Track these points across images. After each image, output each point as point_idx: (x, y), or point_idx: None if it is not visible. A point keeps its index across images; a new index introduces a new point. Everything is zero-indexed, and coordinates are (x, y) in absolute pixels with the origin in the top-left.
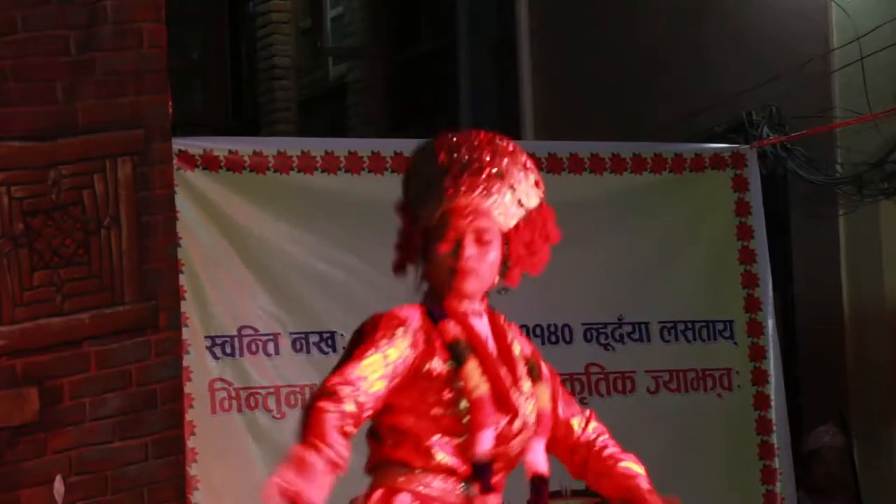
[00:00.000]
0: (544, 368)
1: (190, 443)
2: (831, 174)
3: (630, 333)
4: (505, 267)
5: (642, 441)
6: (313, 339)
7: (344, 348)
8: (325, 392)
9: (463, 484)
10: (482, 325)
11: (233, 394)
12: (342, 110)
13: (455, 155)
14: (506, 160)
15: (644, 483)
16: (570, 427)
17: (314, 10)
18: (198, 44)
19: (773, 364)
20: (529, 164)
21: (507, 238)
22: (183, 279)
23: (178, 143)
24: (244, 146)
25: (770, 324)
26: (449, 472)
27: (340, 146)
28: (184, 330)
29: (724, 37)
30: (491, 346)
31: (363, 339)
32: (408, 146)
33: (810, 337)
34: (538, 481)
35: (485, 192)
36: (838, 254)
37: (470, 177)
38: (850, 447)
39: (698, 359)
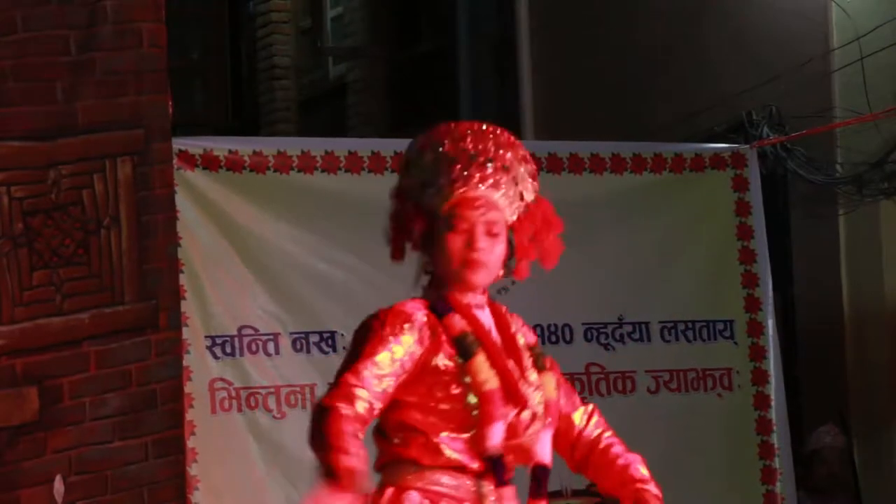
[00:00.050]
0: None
1: (190, 443)
2: (831, 174)
3: (630, 333)
4: (511, 261)
5: (643, 441)
6: (313, 338)
7: (345, 348)
8: (341, 393)
9: (475, 479)
10: (485, 317)
11: (233, 394)
12: (342, 110)
13: (461, 145)
14: (509, 153)
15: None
16: (570, 421)
17: (314, 10)
18: (198, 44)
19: (773, 364)
20: (527, 156)
21: (511, 231)
22: (183, 279)
23: (178, 143)
24: (244, 146)
25: (770, 324)
26: (459, 468)
27: (340, 146)
28: (184, 330)
29: (724, 37)
30: (495, 337)
31: (370, 335)
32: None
33: (810, 337)
34: (540, 472)
35: (494, 185)
36: (838, 254)
37: (480, 169)
38: (851, 447)
39: (698, 359)
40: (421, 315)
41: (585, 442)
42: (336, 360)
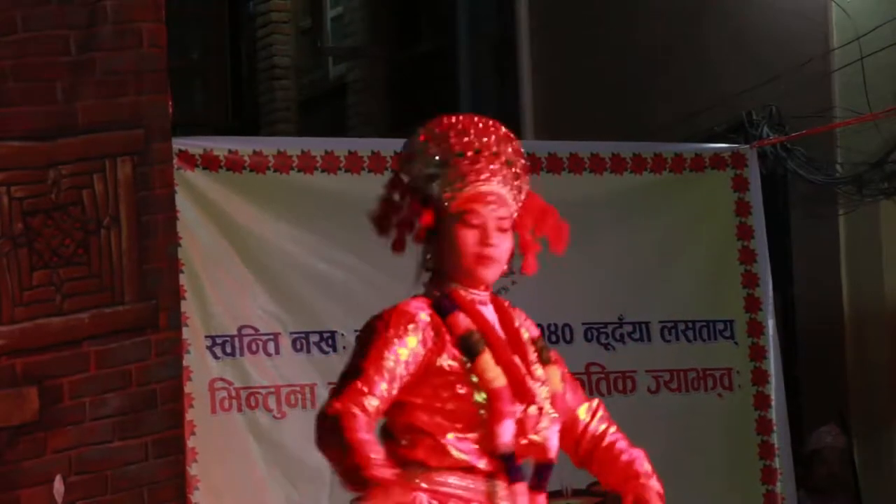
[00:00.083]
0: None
1: (190, 443)
2: (831, 174)
3: (630, 333)
4: (518, 257)
5: (643, 441)
6: (313, 338)
7: (345, 347)
8: (349, 397)
9: (485, 479)
10: (489, 313)
11: (233, 393)
12: (342, 110)
13: (466, 139)
14: (510, 147)
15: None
16: (576, 417)
17: (314, 10)
18: (198, 44)
19: (773, 364)
20: (521, 149)
21: (515, 226)
22: (183, 279)
23: (178, 143)
24: (244, 146)
25: (770, 324)
26: (468, 468)
27: (340, 146)
28: (184, 330)
29: (724, 37)
30: (500, 333)
31: (374, 337)
32: None
33: (810, 337)
34: (543, 467)
35: (502, 180)
36: (838, 254)
37: (488, 163)
38: (851, 447)
39: (699, 358)
40: (424, 315)
41: (590, 437)
42: (336, 360)
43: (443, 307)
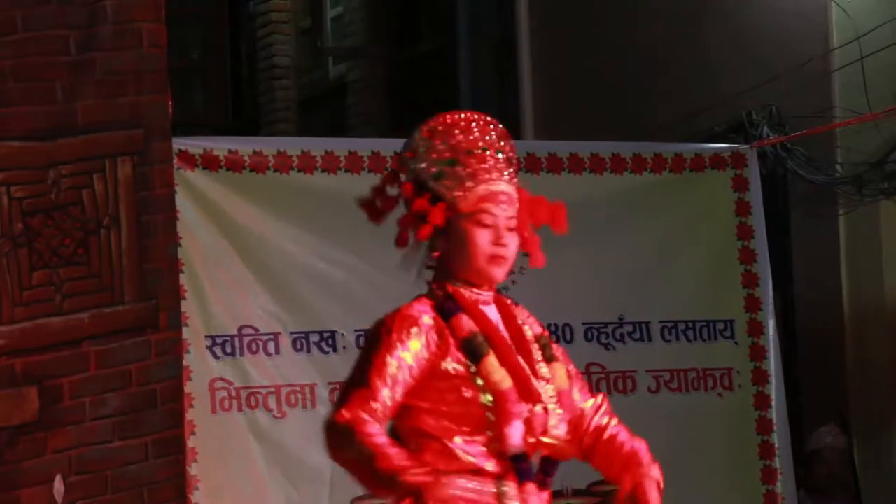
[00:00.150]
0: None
1: (190, 443)
2: (831, 174)
3: (631, 333)
4: (522, 255)
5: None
6: (314, 338)
7: (345, 347)
8: (357, 404)
9: (494, 481)
10: (492, 313)
11: (233, 393)
12: (342, 110)
13: (471, 136)
14: (508, 144)
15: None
16: (581, 412)
17: (314, 10)
18: (198, 44)
19: (773, 364)
20: (514, 146)
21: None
22: (183, 279)
23: (178, 143)
24: (244, 146)
25: (770, 324)
26: (476, 471)
27: (340, 146)
28: (184, 329)
29: (724, 37)
30: (503, 333)
31: (378, 343)
32: None
33: (810, 337)
34: (549, 464)
35: (509, 179)
36: (838, 254)
37: (496, 162)
38: (851, 447)
39: (699, 358)
40: (427, 319)
41: (593, 431)
42: (336, 360)
43: (446, 309)
